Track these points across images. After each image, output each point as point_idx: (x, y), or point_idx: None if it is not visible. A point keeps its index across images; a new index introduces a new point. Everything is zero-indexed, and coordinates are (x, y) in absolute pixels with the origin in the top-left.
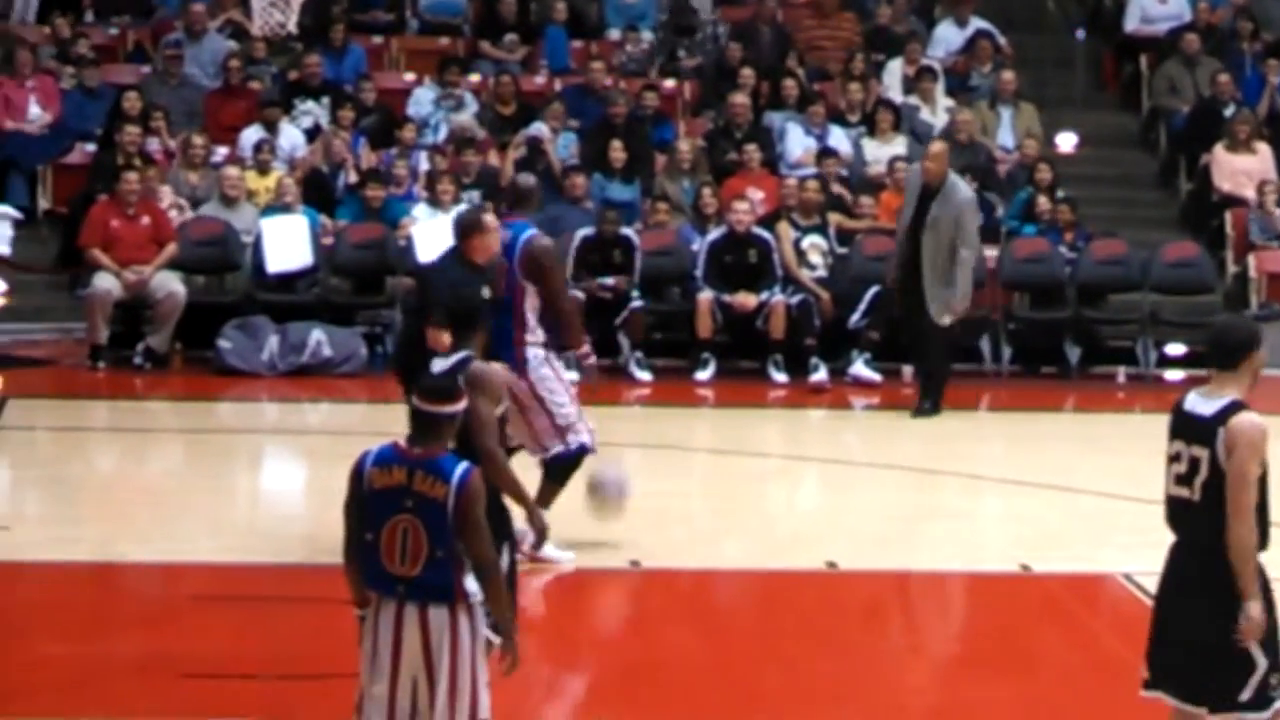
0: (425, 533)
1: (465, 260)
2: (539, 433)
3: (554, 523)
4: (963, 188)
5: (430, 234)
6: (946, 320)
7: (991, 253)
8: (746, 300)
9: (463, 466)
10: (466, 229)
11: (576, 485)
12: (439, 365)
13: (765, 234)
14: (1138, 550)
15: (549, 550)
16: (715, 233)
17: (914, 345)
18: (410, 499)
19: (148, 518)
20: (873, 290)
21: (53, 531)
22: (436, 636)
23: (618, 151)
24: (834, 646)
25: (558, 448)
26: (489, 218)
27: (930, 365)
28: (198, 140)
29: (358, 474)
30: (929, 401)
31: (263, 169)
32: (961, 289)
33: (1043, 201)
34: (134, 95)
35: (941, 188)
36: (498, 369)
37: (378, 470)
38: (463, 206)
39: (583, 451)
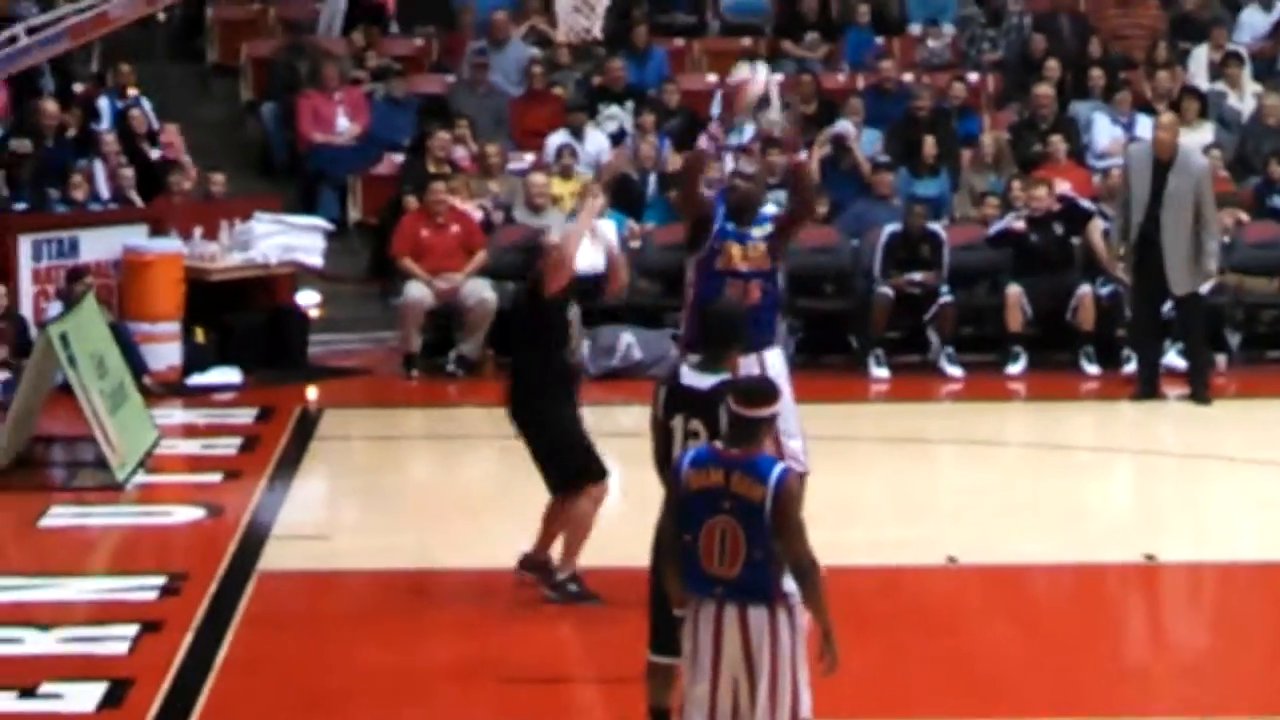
0: (743, 534)
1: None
2: None
3: (877, 523)
4: (1198, 156)
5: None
6: (1206, 287)
7: None
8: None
9: (780, 468)
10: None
11: None
12: (697, 381)
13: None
14: None
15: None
16: (1011, 217)
17: (1147, 329)
18: (728, 500)
19: (464, 525)
20: None
21: (371, 540)
22: (756, 636)
23: (926, 146)
24: (1152, 639)
25: None
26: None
27: (1196, 346)
28: (492, 149)
29: (675, 475)
30: (1201, 389)
31: (565, 174)
32: (1214, 260)
33: None
34: (442, 104)
35: (1174, 159)
36: None
37: (695, 471)
38: (768, 207)
39: None
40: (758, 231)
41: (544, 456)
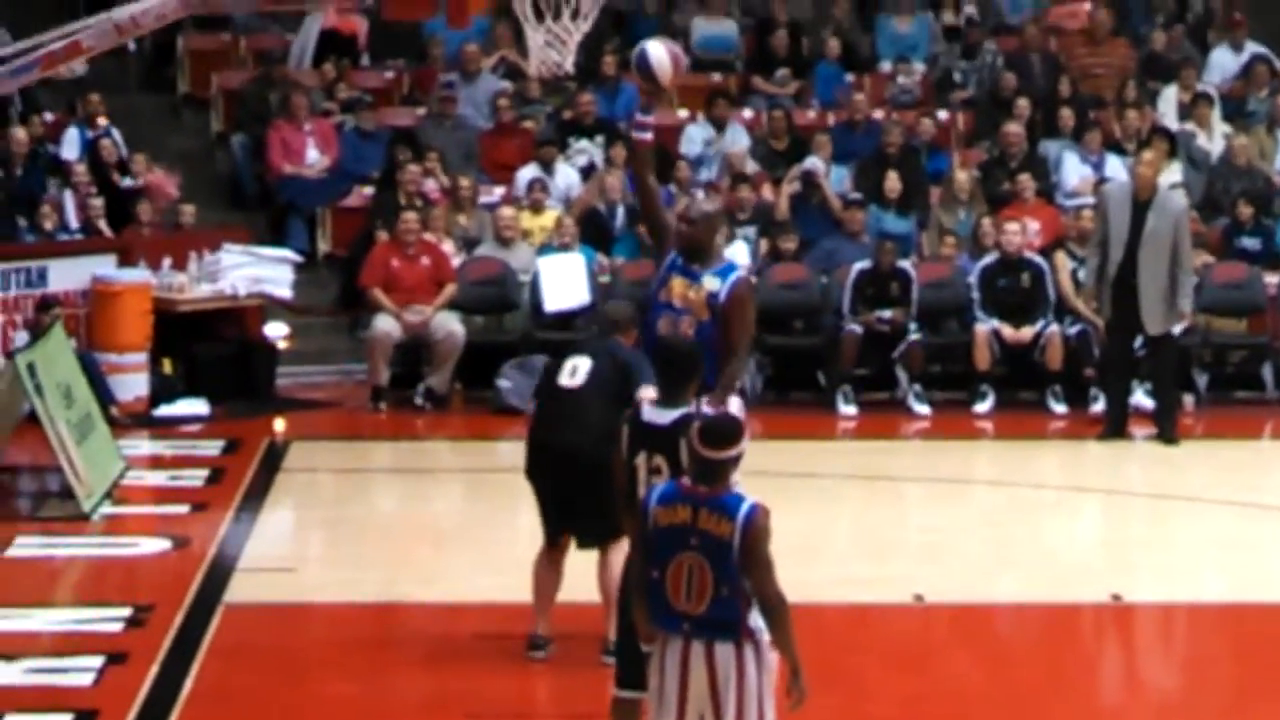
0: (710, 570)
1: None
2: None
3: (844, 561)
4: (1176, 197)
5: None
6: (1179, 328)
7: (1272, 279)
8: (1021, 335)
9: (748, 504)
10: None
11: None
12: (656, 417)
13: (1038, 258)
14: None
15: None
16: (987, 258)
17: (1118, 369)
18: (695, 536)
19: (430, 558)
20: None
21: (337, 573)
22: (723, 673)
23: (893, 183)
24: (1118, 680)
25: None
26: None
27: (1165, 386)
28: (464, 182)
29: (643, 512)
30: (1169, 429)
31: (536, 208)
32: (1188, 300)
33: None
34: (411, 137)
35: (1153, 198)
36: None
37: (662, 508)
38: (738, 244)
39: None
40: (709, 280)
41: (604, 502)
